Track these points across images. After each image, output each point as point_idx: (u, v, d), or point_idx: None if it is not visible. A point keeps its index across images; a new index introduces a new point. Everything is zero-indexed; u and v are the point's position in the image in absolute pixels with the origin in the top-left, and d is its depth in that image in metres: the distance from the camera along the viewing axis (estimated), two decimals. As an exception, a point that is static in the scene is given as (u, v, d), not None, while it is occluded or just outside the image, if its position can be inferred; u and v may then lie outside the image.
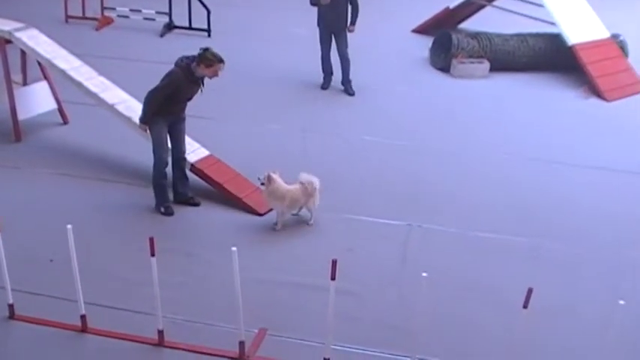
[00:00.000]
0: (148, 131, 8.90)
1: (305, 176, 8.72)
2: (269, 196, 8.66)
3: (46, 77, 10.99)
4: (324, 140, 10.97)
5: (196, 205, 9.20)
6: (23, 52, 10.89)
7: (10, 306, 7.17)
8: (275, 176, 8.63)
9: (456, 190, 9.81)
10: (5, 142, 10.64)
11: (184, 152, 9.19)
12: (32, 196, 9.39)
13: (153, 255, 6.35)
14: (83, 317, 6.95)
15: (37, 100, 11.01)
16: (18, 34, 10.57)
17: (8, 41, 10.58)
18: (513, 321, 6.16)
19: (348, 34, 12.54)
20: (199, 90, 8.97)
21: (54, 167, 10.01)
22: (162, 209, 9.01)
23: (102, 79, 10.36)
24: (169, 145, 9.02)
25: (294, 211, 8.91)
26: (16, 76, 10.97)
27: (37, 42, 10.61)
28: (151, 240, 6.29)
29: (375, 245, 8.50)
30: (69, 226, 6.45)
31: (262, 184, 8.64)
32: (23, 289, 7.34)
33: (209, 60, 8.75)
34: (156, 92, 8.72)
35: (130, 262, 7.88)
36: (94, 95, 10.09)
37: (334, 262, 5.92)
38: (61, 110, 11.22)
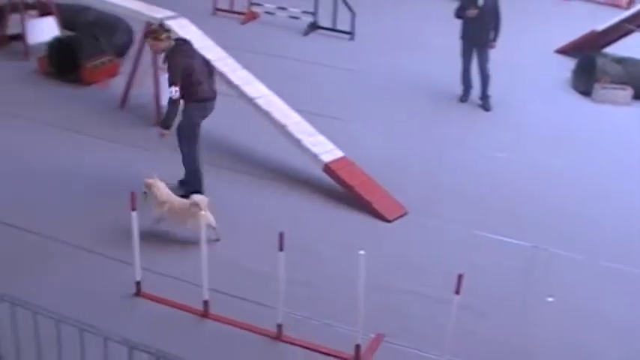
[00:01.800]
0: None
1: (196, 197, 8.25)
2: (152, 201, 8.42)
3: (191, 66, 11.25)
4: (456, 152, 10.88)
5: None
6: (172, 40, 11.23)
7: (138, 283, 7.42)
8: (154, 182, 8.41)
9: (587, 215, 9.56)
10: (146, 125, 10.98)
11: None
12: (166, 176, 9.61)
13: (281, 250, 6.45)
14: (206, 302, 7.13)
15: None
16: (169, 23, 10.88)
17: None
18: (637, 356, 5.99)
19: (490, 50, 12.42)
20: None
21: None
22: None
23: (245, 72, 10.56)
24: None
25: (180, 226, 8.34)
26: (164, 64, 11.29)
27: (186, 31, 10.87)
28: (281, 235, 6.40)
29: (499, 263, 8.38)
30: (202, 213, 6.63)
31: (144, 192, 8.39)
32: (152, 269, 7.59)
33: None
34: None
35: (258, 255, 8.01)
36: (235, 87, 10.30)
37: (460, 277, 5.88)
38: (203, 99, 11.46)
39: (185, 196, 8.53)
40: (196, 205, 8.07)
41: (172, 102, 8.79)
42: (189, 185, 9.15)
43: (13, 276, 7.56)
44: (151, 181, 8.49)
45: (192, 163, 9.22)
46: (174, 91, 8.72)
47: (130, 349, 4.62)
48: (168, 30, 9.27)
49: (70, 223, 8.67)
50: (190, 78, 8.87)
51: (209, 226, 7.91)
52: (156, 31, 9.13)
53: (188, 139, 9.16)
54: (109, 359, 4.85)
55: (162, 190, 8.45)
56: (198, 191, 8.78)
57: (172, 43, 9.00)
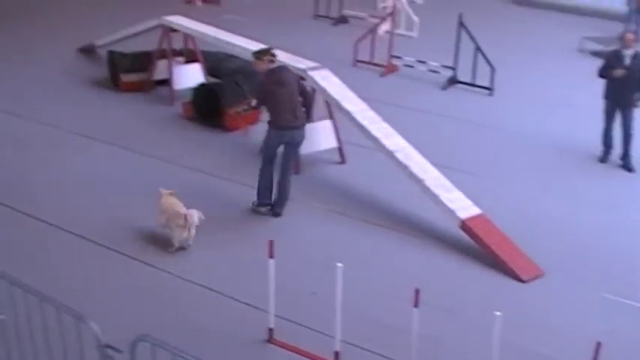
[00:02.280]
0: None
1: (190, 211, 8.95)
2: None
3: (331, 116, 11.39)
4: (593, 214, 10.56)
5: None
6: (313, 90, 11.37)
7: (270, 330, 7.47)
8: (162, 193, 9.24)
9: None
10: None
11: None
12: (302, 228, 9.77)
13: (416, 306, 6.38)
14: (337, 354, 7.11)
15: (320, 137, 11.41)
16: (312, 73, 11.09)
17: (302, 79, 11.10)
18: None
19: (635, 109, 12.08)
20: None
21: (326, 203, 10.36)
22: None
23: (384, 124, 10.60)
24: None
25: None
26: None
27: (328, 82, 11.07)
28: (417, 291, 6.33)
29: (637, 333, 8.06)
30: (339, 264, 6.63)
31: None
32: (284, 316, 7.63)
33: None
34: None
35: (389, 308, 7.96)
36: (375, 139, 10.36)
37: (598, 345, 5.65)
38: (340, 149, 11.58)
39: (261, 204, 9.93)
40: (185, 219, 8.89)
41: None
42: (259, 196, 10.04)
43: (154, 316, 7.75)
44: (163, 191, 9.29)
45: (263, 178, 9.97)
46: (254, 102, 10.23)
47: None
48: (273, 55, 9.79)
49: (204, 265, 8.89)
50: (272, 105, 9.68)
51: (186, 239, 8.99)
52: (261, 51, 9.87)
53: (263, 158, 9.95)
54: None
55: (166, 200, 9.18)
56: (266, 203, 9.98)
57: (270, 66, 9.68)
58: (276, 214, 10.00)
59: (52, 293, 5.71)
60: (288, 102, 9.63)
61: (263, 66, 9.71)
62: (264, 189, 10.00)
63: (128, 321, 7.52)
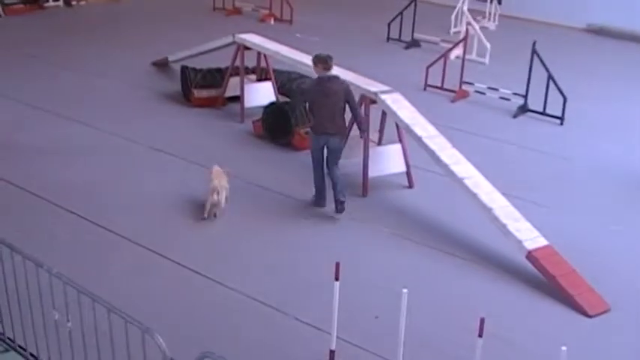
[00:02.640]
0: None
1: (214, 183, 10.22)
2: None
3: (401, 140, 11.40)
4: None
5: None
6: (384, 113, 11.43)
7: (332, 352, 7.48)
8: (215, 169, 10.47)
9: None
10: (353, 195, 11.13)
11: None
12: (367, 251, 9.78)
13: (480, 336, 6.33)
14: (398, 381, 7.10)
15: (389, 160, 11.45)
16: (383, 96, 11.11)
17: (373, 101, 11.15)
18: None
19: None
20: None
21: (393, 227, 10.35)
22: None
23: (454, 151, 10.57)
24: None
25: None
26: (374, 135, 11.51)
27: (400, 106, 11.07)
28: (482, 320, 6.28)
29: None
30: (405, 290, 6.62)
31: None
32: (345, 339, 7.64)
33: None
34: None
35: (452, 337, 7.93)
36: (444, 166, 10.33)
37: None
38: (408, 174, 11.57)
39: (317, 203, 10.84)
40: (214, 189, 10.16)
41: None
42: (315, 198, 10.88)
43: (217, 332, 7.82)
44: (215, 168, 10.52)
45: (315, 179, 10.76)
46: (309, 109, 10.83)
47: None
48: (327, 63, 10.38)
49: (268, 283, 8.95)
50: (315, 111, 10.48)
51: (216, 205, 10.20)
52: (319, 57, 10.48)
53: (312, 161, 10.75)
54: None
55: (215, 176, 10.34)
56: (321, 204, 10.77)
57: (322, 74, 10.39)
58: (340, 208, 10.47)
59: (118, 304, 5.81)
60: (330, 111, 10.29)
61: (316, 70, 10.52)
62: (318, 190, 10.79)
63: (191, 336, 7.62)
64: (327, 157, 10.58)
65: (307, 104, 10.91)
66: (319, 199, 10.81)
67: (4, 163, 11.73)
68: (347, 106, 10.53)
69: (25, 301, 6.80)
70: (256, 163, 12.28)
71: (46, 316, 6.58)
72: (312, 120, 10.65)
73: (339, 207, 10.45)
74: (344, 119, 10.53)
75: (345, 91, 10.38)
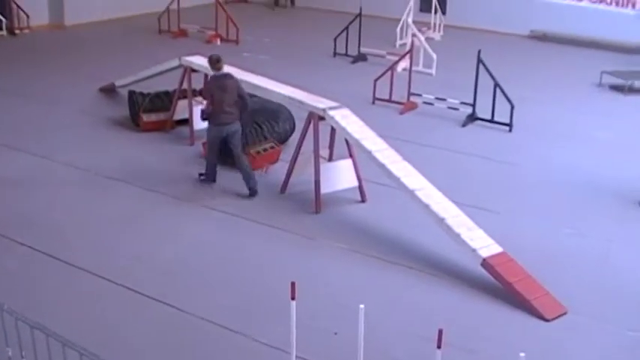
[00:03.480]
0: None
1: None
2: None
3: (351, 155, 11.40)
4: (616, 251, 10.47)
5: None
6: (333, 130, 11.44)
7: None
8: None
9: None
10: (305, 212, 11.14)
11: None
12: (323, 268, 9.76)
13: (439, 347, 6.32)
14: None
15: (341, 176, 11.45)
16: (331, 112, 11.14)
17: (322, 118, 11.17)
18: None
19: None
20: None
21: (347, 242, 10.33)
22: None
23: (405, 163, 10.60)
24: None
25: None
26: (323, 151, 11.51)
27: (348, 121, 11.10)
28: (440, 332, 6.28)
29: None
30: (361, 306, 6.60)
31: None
32: (305, 357, 7.60)
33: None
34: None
35: (412, 349, 7.94)
36: (395, 179, 10.36)
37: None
38: (361, 188, 11.56)
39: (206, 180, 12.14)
40: None
41: (202, 112, 11.94)
42: (205, 176, 12.17)
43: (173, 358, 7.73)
44: None
45: (210, 163, 12.09)
46: (207, 105, 11.88)
47: None
48: (219, 63, 11.87)
49: (224, 305, 8.87)
50: (214, 104, 11.65)
51: None
52: (213, 58, 11.95)
53: (208, 151, 12.09)
54: None
55: None
56: (211, 179, 12.10)
57: (217, 73, 11.85)
58: (252, 193, 11.74)
59: (73, 336, 5.72)
60: (227, 104, 11.62)
61: (213, 70, 11.93)
62: (211, 168, 12.11)
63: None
64: (231, 145, 11.79)
65: (205, 97, 12.32)
66: (211, 176, 12.13)
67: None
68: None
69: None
70: (206, 186, 12.21)
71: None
72: (211, 113, 11.73)
73: (254, 193, 11.74)
74: (237, 109, 11.79)
75: (237, 85, 11.82)
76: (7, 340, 6.33)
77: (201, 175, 12.28)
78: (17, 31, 23.38)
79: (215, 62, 11.88)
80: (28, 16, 23.50)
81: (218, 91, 11.63)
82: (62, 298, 8.98)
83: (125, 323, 8.50)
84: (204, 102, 12.21)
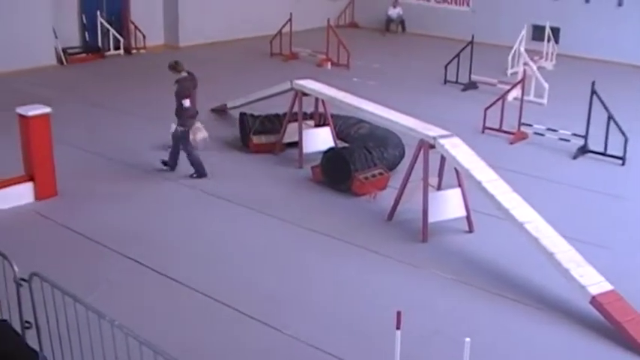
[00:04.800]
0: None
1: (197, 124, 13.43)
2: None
3: (460, 185, 11.34)
4: None
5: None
6: (443, 158, 11.39)
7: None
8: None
9: None
10: (412, 240, 11.14)
11: None
12: (429, 297, 9.71)
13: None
14: None
15: (449, 205, 11.39)
16: (442, 141, 11.10)
17: (432, 146, 11.14)
18: None
19: None
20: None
21: (453, 273, 10.27)
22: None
23: (514, 195, 10.47)
24: None
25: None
26: (432, 180, 11.48)
27: (458, 150, 11.04)
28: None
29: None
30: (467, 339, 6.56)
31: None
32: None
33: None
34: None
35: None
36: (504, 210, 10.24)
37: None
38: (469, 218, 11.48)
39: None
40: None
41: (186, 109, 13.21)
42: (197, 173, 13.53)
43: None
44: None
45: (193, 159, 13.51)
46: (187, 102, 13.19)
47: None
48: (181, 65, 13.41)
49: (328, 331, 8.91)
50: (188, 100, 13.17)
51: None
52: (176, 62, 13.48)
53: (185, 147, 13.54)
54: None
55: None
56: (202, 174, 13.51)
57: (183, 74, 13.27)
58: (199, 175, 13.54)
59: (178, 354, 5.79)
60: (194, 99, 13.33)
61: (179, 72, 13.32)
62: (198, 164, 13.55)
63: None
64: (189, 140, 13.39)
65: (180, 97, 13.26)
66: (201, 171, 13.50)
67: (73, 212, 11.95)
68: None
69: (88, 351, 6.87)
70: (315, 209, 12.32)
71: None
72: (182, 110, 13.23)
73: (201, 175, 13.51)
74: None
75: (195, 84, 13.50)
76: (116, 355, 6.48)
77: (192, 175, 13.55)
78: (134, 51, 24.14)
79: (180, 65, 13.35)
80: (144, 37, 24.27)
81: (192, 88, 13.34)
82: (168, 313, 9.19)
83: (229, 344, 8.65)
84: (186, 101, 13.20)
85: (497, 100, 16.46)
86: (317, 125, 14.63)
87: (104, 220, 11.66)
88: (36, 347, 6.91)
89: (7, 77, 19.60)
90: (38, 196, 12.30)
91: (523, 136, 16.14)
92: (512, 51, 21.73)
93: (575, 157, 15.18)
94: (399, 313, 6.99)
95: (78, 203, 12.29)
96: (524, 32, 21.36)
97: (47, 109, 12.27)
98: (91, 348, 6.78)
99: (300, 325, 8.97)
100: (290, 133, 14.65)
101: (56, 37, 22.01)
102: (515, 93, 17.42)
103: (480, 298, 9.72)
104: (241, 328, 8.95)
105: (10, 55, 20.10)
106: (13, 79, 19.60)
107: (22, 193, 12.19)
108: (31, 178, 12.28)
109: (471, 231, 11.50)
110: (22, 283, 7.02)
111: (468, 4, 27.54)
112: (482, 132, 16.38)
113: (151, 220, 11.84)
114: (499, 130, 16.22)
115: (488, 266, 10.49)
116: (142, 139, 15.45)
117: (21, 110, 12.16)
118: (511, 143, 15.94)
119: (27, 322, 7.12)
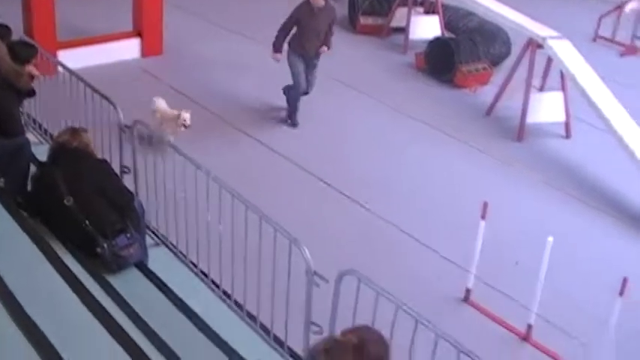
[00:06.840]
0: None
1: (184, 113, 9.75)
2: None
3: (563, 89, 11.16)
4: None
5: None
6: (549, 60, 11.18)
7: (468, 290, 7.57)
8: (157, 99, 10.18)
9: None
10: (507, 138, 11.11)
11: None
12: (516, 195, 9.74)
13: (621, 294, 6.26)
14: (530, 327, 7.12)
15: (549, 108, 11.25)
16: (551, 42, 10.89)
17: (540, 46, 10.94)
18: None
19: None
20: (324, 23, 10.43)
21: (544, 175, 10.25)
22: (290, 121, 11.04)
23: (618, 106, 10.28)
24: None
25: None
26: (535, 80, 11.31)
27: (567, 54, 10.83)
28: (624, 280, 6.21)
29: None
30: (550, 239, 6.59)
31: None
32: (483, 279, 7.67)
33: None
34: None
35: (591, 295, 7.77)
36: (605, 120, 10.09)
37: None
38: (567, 124, 11.34)
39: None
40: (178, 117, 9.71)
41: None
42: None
43: (360, 255, 7.96)
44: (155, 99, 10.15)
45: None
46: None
47: (459, 353, 4.67)
48: None
49: (420, 220, 9.05)
50: (297, 30, 10.53)
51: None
52: None
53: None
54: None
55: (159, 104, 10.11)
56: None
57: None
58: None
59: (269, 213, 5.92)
60: (313, 33, 10.45)
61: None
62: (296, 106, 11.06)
63: (333, 255, 7.78)
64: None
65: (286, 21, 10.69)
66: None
67: (178, 73, 12.11)
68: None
69: (181, 201, 7.03)
70: (415, 96, 12.31)
71: (199, 218, 6.70)
72: (292, 39, 10.70)
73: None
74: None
75: (332, 18, 10.67)
76: (209, 206, 6.55)
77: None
78: None
79: None
80: None
81: (306, 16, 10.52)
82: (265, 180, 9.41)
83: (318, 213, 8.91)
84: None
85: (615, 9, 15.90)
86: (426, 13, 14.44)
87: (207, 85, 11.88)
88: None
89: None
90: (144, 53, 12.53)
91: (634, 51, 15.62)
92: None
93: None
94: (485, 204, 7.05)
95: (183, 65, 12.49)
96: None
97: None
98: (185, 199, 6.85)
99: (389, 206, 9.15)
100: (398, 18, 14.51)
101: None
102: (634, 4, 16.76)
103: (567, 203, 9.69)
104: (343, 206, 9.18)
105: None
106: None
107: (129, 49, 12.42)
108: (138, 34, 12.48)
109: (567, 136, 11.36)
110: (125, 129, 7.20)
111: None
112: (594, 40, 15.91)
113: (255, 93, 11.91)
114: (612, 40, 15.74)
115: (581, 174, 10.40)
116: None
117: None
118: (621, 55, 15.47)
119: (125, 166, 7.29)
